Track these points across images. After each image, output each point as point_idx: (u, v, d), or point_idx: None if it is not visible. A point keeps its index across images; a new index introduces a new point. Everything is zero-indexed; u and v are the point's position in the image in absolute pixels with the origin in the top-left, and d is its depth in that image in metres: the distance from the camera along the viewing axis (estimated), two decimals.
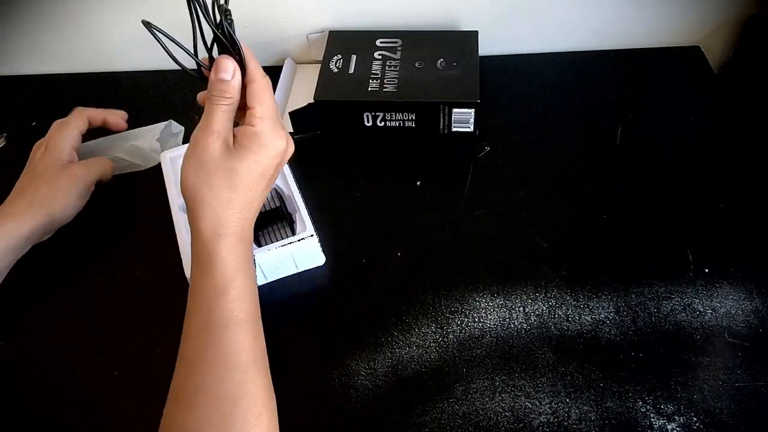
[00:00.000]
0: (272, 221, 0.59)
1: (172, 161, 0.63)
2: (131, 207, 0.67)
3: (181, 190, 0.47)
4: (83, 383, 0.54)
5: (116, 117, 0.66)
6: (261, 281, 0.58)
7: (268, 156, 0.48)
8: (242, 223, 0.47)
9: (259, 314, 0.48)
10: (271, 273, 0.58)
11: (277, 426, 0.44)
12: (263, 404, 0.43)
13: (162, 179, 0.62)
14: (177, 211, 0.58)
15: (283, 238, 0.56)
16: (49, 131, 0.62)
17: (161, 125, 0.69)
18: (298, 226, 0.57)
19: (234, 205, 0.47)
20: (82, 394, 0.54)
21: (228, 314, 0.44)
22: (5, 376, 0.55)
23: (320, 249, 0.58)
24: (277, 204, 0.60)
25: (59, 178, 0.59)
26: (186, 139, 0.70)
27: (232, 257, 0.46)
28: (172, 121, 0.70)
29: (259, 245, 0.56)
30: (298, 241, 0.55)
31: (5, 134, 0.75)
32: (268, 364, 0.46)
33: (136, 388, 0.53)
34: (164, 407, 0.43)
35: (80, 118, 0.63)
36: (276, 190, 0.61)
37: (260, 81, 0.50)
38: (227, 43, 0.50)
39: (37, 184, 0.58)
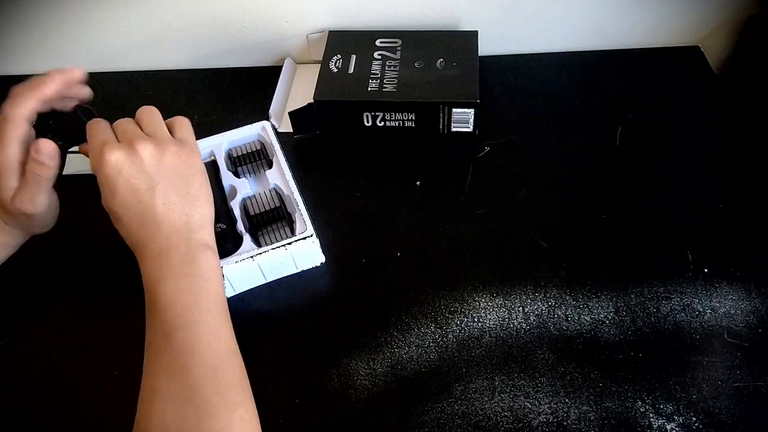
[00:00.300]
0: (271, 221, 0.59)
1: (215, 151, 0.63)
2: None
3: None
4: (83, 383, 0.54)
5: (59, 78, 0.51)
6: (261, 281, 0.58)
7: (107, 181, 0.47)
8: (148, 238, 0.46)
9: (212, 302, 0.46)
10: (271, 273, 0.58)
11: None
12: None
13: None
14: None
15: (282, 239, 0.56)
16: None
17: None
18: (298, 226, 0.57)
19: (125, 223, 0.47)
20: (82, 393, 0.54)
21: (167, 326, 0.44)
22: (3, 376, 0.55)
23: (320, 249, 0.58)
24: (277, 204, 0.60)
25: (10, 216, 0.51)
26: None
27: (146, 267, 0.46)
28: None
29: (259, 245, 0.56)
30: (298, 240, 0.55)
31: None
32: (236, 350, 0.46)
33: (136, 388, 0.53)
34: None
35: (15, 127, 0.48)
36: (276, 189, 0.61)
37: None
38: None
39: None
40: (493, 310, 0.56)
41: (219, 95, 0.78)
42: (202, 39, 0.78)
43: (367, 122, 0.69)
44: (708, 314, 0.54)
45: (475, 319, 0.55)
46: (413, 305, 0.57)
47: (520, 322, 0.55)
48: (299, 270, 0.59)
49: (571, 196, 0.64)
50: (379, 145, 0.70)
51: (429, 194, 0.65)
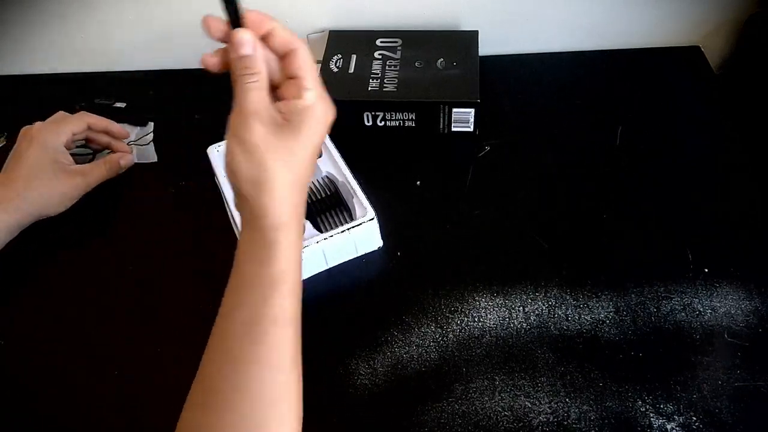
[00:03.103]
0: (329, 208, 0.60)
1: (221, 154, 0.63)
2: (127, 203, 0.67)
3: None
4: (83, 383, 0.54)
5: (118, 128, 0.67)
6: (323, 267, 0.59)
7: (320, 130, 0.42)
8: (302, 208, 0.43)
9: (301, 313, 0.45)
10: (332, 258, 0.59)
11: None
12: (297, 409, 0.42)
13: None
14: (233, 204, 0.58)
15: (342, 224, 0.57)
16: (42, 123, 0.61)
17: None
18: (358, 211, 0.58)
19: (296, 188, 0.42)
20: (82, 393, 0.54)
21: (278, 310, 0.41)
22: (3, 376, 0.55)
23: (379, 232, 0.59)
24: (332, 190, 0.62)
25: (59, 182, 0.59)
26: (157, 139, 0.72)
27: (292, 248, 0.41)
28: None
29: (320, 231, 0.57)
30: (361, 224, 0.57)
31: (5, 134, 0.75)
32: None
33: (136, 388, 0.53)
34: (185, 405, 0.40)
35: (80, 120, 0.63)
36: (328, 177, 0.62)
37: (299, 48, 0.44)
38: (230, 18, 0.46)
39: (30, 179, 0.58)
40: (494, 310, 0.56)
41: (219, 95, 0.77)
42: (203, 39, 0.78)
43: (368, 122, 0.69)
44: (708, 314, 0.54)
45: (476, 319, 0.55)
46: (413, 305, 0.57)
47: (520, 322, 0.55)
48: (359, 254, 0.60)
49: (571, 196, 0.64)
50: (379, 145, 0.70)
51: (429, 194, 0.65)
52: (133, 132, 0.72)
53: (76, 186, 0.60)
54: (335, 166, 0.62)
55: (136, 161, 0.69)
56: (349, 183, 0.60)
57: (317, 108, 0.42)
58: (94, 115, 0.65)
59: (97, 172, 0.63)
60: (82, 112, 0.65)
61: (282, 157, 0.41)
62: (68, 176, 0.60)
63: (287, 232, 0.41)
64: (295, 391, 0.42)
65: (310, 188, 0.61)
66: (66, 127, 0.61)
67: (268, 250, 0.41)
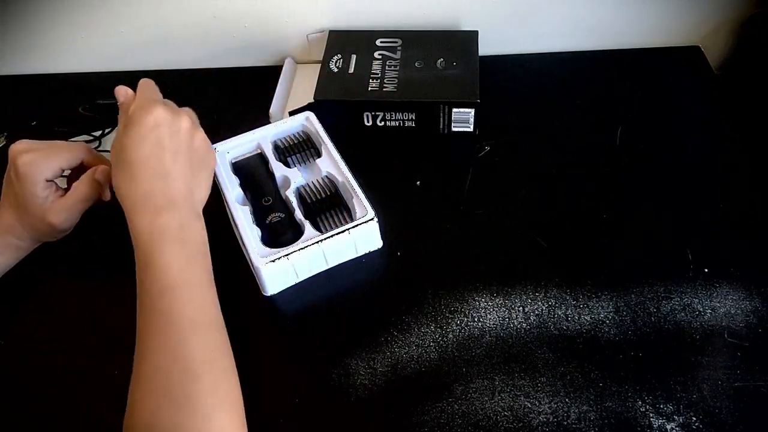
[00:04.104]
0: (329, 208, 0.60)
1: (219, 157, 0.64)
2: None
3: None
4: (83, 383, 0.54)
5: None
6: (323, 267, 0.59)
7: (140, 129, 0.50)
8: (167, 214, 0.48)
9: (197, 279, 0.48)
10: (333, 258, 0.59)
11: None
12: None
13: None
14: (234, 204, 0.60)
15: (342, 224, 0.57)
16: (32, 154, 0.54)
17: None
18: (358, 210, 0.58)
19: (145, 199, 0.49)
20: (82, 393, 0.54)
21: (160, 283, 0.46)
22: (3, 376, 0.55)
23: (379, 232, 0.59)
24: (332, 190, 0.61)
25: (37, 221, 0.55)
26: None
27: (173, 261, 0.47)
28: None
29: (320, 231, 0.57)
30: (361, 224, 0.57)
31: (5, 134, 0.75)
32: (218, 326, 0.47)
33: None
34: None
35: (71, 156, 0.56)
36: (329, 177, 0.62)
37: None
38: None
39: (18, 208, 0.55)
40: (494, 310, 0.56)
41: (219, 95, 0.78)
42: (202, 39, 0.78)
43: (368, 122, 0.69)
44: (708, 314, 0.54)
45: (476, 319, 0.55)
46: (413, 305, 0.57)
47: (520, 322, 0.55)
48: (359, 254, 0.60)
49: (571, 196, 0.64)
50: (379, 145, 0.70)
51: (429, 194, 0.65)
52: None
53: (52, 229, 0.55)
54: (335, 167, 0.62)
55: None
56: (350, 183, 0.60)
57: (128, 118, 0.51)
58: (94, 152, 0.58)
59: (80, 194, 0.56)
60: (81, 144, 0.58)
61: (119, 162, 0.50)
62: (47, 219, 0.55)
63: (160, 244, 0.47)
64: (204, 352, 0.45)
65: (311, 188, 0.61)
66: (54, 162, 0.54)
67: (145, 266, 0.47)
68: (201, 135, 0.54)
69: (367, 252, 0.60)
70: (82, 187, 0.56)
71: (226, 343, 0.47)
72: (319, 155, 0.64)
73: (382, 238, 0.60)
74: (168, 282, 0.46)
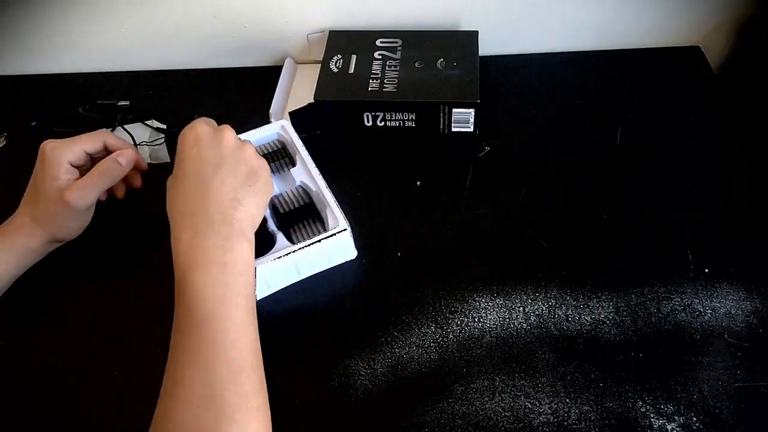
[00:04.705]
0: (301, 218, 0.60)
1: None
2: (130, 200, 0.67)
3: None
4: (83, 383, 0.54)
5: (140, 162, 0.61)
6: (295, 279, 0.58)
7: (183, 146, 0.50)
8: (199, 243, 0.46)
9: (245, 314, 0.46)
10: (306, 269, 0.58)
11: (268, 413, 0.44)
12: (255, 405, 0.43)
13: None
14: None
15: (315, 235, 0.57)
16: (52, 141, 0.57)
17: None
18: (330, 221, 0.57)
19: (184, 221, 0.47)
20: (82, 393, 0.54)
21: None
22: (3, 376, 0.55)
23: (353, 243, 0.59)
24: (306, 201, 0.60)
25: (53, 204, 0.55)
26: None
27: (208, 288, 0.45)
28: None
29: (292, 242, 0.56)
30: (333, 235, 0.56)
31: (5, 134, 0.75)
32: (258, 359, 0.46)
33: (136, 388, 0.53)
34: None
35: (95, 139, 0.58)
36: (302, 187, 0.61)
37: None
38: None
39: (36, 200, 0.56)
40: (494, 310, 0.56)
41: (219, 95, 0.78)
42: (202, 39, 0.78)
43: (368, 122, 0.69)
44: (708, 314, 0.54)
45: (476, 319, 0.55)
46: (413, 305, 0.57)
47: (520, 322, 0.55)
48: (332, 265, 0.59)
49: (571, 196, 0.64)
50: (379, 145, 0.70)
51: (429, 194, 0.65)
52: (146, 133, 0.72)
53: (67, 206, 0.55)
54: (309, 176, 0.61)
55: (150, 161, 0.69)
56: (323, 193, 0.59)
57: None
58: (115, 136, 0.60)
59: (95, 179, 0.56)
60: (102, 130, 0.60)
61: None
62: (61, 198, 0.55)
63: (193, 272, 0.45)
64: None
65: (284, 198, 0.61)
66: (77, 145, 0.57)
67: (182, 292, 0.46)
68: (249, 149, 0.51)
69: (341, 263, 0.59)
70: (100, 166, 0.56)
71: (262, 382, 0.44)
72: (293, 164, 0.63)
73: (382, 238, 0.60)
74: (203, 314, 0.44)
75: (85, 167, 0.58)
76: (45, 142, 0.57)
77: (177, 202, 0.48)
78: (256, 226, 0.50)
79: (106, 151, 0.59)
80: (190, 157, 0.49)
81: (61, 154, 0.56)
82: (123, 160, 0.57)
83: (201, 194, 0.48)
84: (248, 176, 0.50)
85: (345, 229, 0.56)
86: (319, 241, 0.56)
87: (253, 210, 0.49)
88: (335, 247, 0.57)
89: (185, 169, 0.49)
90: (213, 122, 0.53)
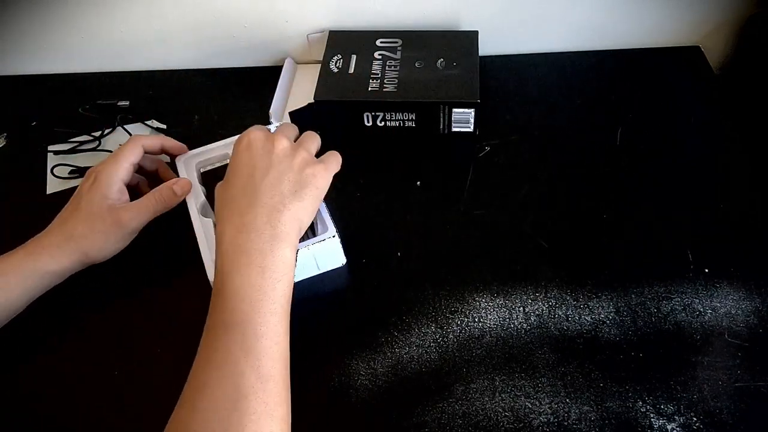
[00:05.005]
0: None
1: (186, 164, 0.62)
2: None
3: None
4: (83, 383, 0.54)
5: (174, 142, 0.62)
6: None
7: (237, 149, 0.52)
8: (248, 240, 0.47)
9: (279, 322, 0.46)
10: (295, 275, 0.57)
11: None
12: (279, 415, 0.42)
13: None
14: (196, 215, 0.58)
15: (303, 240, 0.56)
16: (102, 163, 0.58)
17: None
18: (320, 227, 0.57)
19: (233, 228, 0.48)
20: (82, 393, 0.54)
21: (264, 329, 0.44)
22: (3, 376, 0.55)
23: (341, 249, 0.58)
24: None
25: (101, 221, 0.55)
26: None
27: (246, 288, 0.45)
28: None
29: None
30: (321, 241, 0.55)
31: (5, 134, 0.75)
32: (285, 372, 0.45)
33: (136, 388, 0.53)
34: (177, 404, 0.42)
35: (135, 148, 0.59)
36: None
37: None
38: None
39: (77, 219, 0.55)
40: (494, 310, 0.56)
41: (219, 95, 0.78)
42: (202, 39, 0.78)
43: (368, 122, 0.69)
44: (708, 314, 0.54)
45: (476, 319, 0.55)
46: (413, 305, 0.57)
47: (520, 322, 0.55)
48: (321, 271, 0.59)
49: (571, 196, 0.64)
50: (379, 145, 0.70)
51: (429, 194, 0.65)
52: (145, 133, 0.72)
53: (118, 224, 0.55)
54: None
55: None
56: None
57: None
58: (147, 136, 0.61)
59: (148, 204, 0.57)
60: (135, 135, 0.60)
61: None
62: (113, 215, 0.55)
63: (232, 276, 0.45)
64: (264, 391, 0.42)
65: None
66: (121, 163, 0.57)
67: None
68: (303, 156, 0.52)
69: (330, 270, 0.59)
70: (157, 193, 0.57)
71: (287, 392, 0.44)
72: None
73: (383, 238, 0.60)
74: (238, 317, 0.43)
75: (134, 181, 0.61)
76: (92, 168, 0.58)
77: (225, 204, 0.49)
78: (303, 232, 0.50)
79: (147, 155, 0.61)
80: (242, 161, 0.51)
81: (116, 175, 0.57)
82: (179, 189, 0.58)
83: (248, 198, 0.48)
84: (297, 182, 0.50)
85: (333, 236, 0.56)
86: (308, 247, 0.55)
87: (300, 215, 0.49)
88: (323, 253, 0.57)
89: (236, 173, 0.50)
90: (266, 129, 0.54)
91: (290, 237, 0.48)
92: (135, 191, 0.61)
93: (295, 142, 0.54)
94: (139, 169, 0.61)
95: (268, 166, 0.50)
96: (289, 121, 0.69)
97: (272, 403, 0.42)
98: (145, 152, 0.60)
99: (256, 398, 0.41)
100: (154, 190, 0.58)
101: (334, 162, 0.55)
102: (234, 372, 0.42)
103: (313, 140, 0.55)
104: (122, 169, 0.57)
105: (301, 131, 0.70)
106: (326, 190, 0.53)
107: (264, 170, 0.50)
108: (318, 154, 0.55)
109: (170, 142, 0.62)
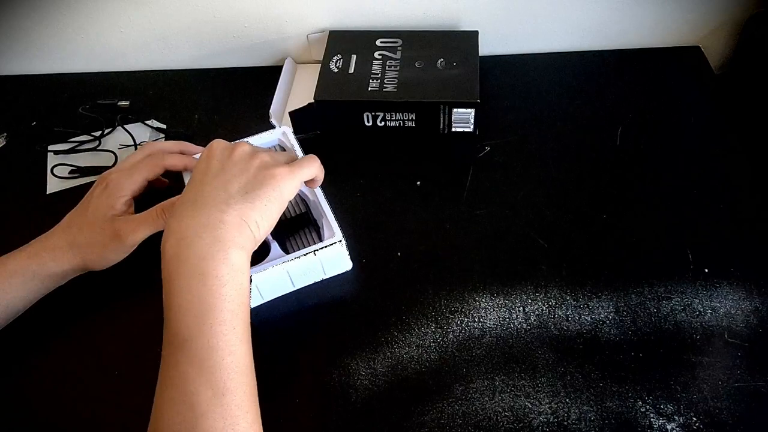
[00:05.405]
0: (298, 228, 0.59)
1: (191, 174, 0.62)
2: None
3: None
4: (83, 383, 0.54)
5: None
6: (289, 289, 0.57)
7: (199, 162, 0.50)
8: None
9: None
10: (299, 280, 0.57)
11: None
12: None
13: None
14: None
15: (310, 245, 0.55)
16: (118, 170, 0.57)
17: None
18: (326, 232, 0.56)
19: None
20: (82, 393, 0.54)
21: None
22: (3, 376, 0.55)
23: (347, 254, 0.57)
24: (302, 210, 0.59)
25: (101, 232, 0.54)
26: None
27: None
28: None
29: (287, 252, 0.55)
30: (327, 246, 0.55)
31: (5, 134, 0.75)
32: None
33: (136, 388, 0.53)
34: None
35: (155, 167, 0.57)
36: (300, 196, 0.60)
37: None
38: None
39: (80, 226, 0.55)
40: (494, 310, 0.56)
41: (219, 95, 0.78)
42: (202, 39, 0.78)
43: (368, 122, 0.69)
44: (708, 314, 0.54)
45: (476, 319, 0.55)
46: (413, 305, 0.57)
47: (520, 322, 0.55)
48: (327, 276, 0.58)
49: (571, 196, 0.64)
50: (379, 145, 0.70)
51: (429, 194, 0.65)
52: (146, 133, 0.72)
53: (117, 237, 0.54)
54: (307, 186, 0.59)
55: None
56: (320, 203, 0.57)
57: None
58: (172, 154, 0.59)
59: (151, 220, 0.55)
60: (160, 150, 0.59)
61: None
62: (113, 226, 0.54)
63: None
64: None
65: None
66: (140, 174, 0.57)
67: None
68: (263, 159, 0.49)
69: (336, 275, 0.58)
70: (159, 209, 0.55)
71: (252, 397, 0.42)
72: None
73: (383, 238, 0.60)
74: (184, 331, 0.41)
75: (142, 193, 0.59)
76: (107, 172, 0.58)
77: (173, 215, 0.46)
78: (259, 235, 0.47)
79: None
80: (198, 169, 0.49)
81: (127, 188, 0.56)
82: None
83: (195, 203, 0.46)
84: (249, 183, 0.47)
85: (340, 241, 0.55)
86: (314, 252, 0.54)
87: (251, 216, 0.46)
88: (329, 258, 0.56)
89: (190, 182, 0.49)
90: (233, 142, 0.52)
91: (235, 240, 0.44)
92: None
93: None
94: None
95: (218, 171, 0.48)
96: (290, 122, 0.69)
97: (233, 417, 0.40)
98: (166, 169, 0.59)
99: (214, 415, 0.39)
100: (157, 205, 0.55)
101: (305, 166, 0.51)
102: (188, 391, 0.40)
103: (306, 159, 0.52)
104: (135, 183, 0.57)
105: (302, 131, 0.71)
106: (291, 195, 0.49)
107: (214, 174, 0.48)
108: (318, 155, 0.54)
109: (193, 164, 0.59)
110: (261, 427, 0.42)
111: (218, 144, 0.51)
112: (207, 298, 0.42)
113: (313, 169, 0.53)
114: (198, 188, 0.47)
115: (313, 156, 0.53)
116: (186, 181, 0.61)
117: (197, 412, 0.39)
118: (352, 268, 0.59)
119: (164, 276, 0.44)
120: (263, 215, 0.47)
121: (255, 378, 0.43)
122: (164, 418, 0.40)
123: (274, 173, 0.48)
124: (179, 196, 0.54)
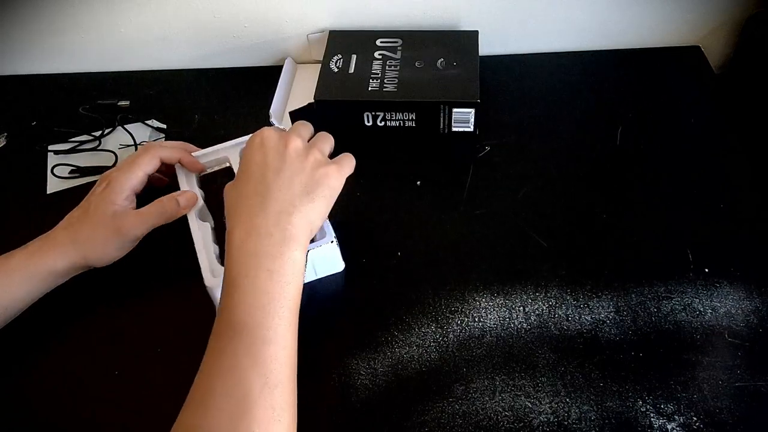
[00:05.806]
0: None
1: (184, 168, 0.62)
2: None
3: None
4: (83, 383, 0.54)
5: (191, 158, 0.61)
6: None
7: (249, 149, 0.51)
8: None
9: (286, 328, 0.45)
10: None
11: None
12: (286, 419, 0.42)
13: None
14: (194, 218, 0.58)
15: None
16: (115, 168, 0.58)
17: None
18: (318, 232, 0.56)
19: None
20: (82, 393, 0.54)
21: (271, 333, 0.43)
22: (3, 376, 0.55)
23: (340, 255, 0.58)
24: None
25: (103, 227, 0.55)
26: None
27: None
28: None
29: None
30: (319, 247, 0.55)
31: (5, 134, 0.75)
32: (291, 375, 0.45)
33: (136, 388, 0.53)
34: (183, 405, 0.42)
35: (152, 159, 0.59)
36: None
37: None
38: None
39: (82, 223, 0.55)
40: (494, 310, 0.56)
41: (219, 95, 0.78)
42: (202, 39, 0.78)
43: (368, 122, 0.69)
44: (709, 314, 0.54)
45: (476, 319, 0.55)
46: (414, 305, 0.57)
47: (520, 322, 0.55)
48: (318, 277, 0.58)
49: (571, 196, 0.64)
50: (379, 144, 0.70)
51: (429, 194, 0.65)
52: (146, 133, 0.72)
53: (118, 232, 0.55)
54: None
55: None
56: None
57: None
58: (167, 147, 0.60)
59: (153, 213, 0.56)
60: (155, 144, 0.60)
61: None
62: (115, 222, 0.55)
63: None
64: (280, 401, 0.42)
65: None
66: (135, 170, 0.57)
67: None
68: (317, 156, 0.51)
69: (327, 275, 0.58)
70: (160, 203, 0.57)
71: (294, 397, 0.44)
72: None
73: (383, 238, 0.60)
74: (245, 321, 0.43)
75: (143, 188, 0.59)
76: (108, 171, 0.58)
77: (235, 205, 0.48)
78: (314, 233, 0.50)
79: (163, 165, 0.60)
80: (254, 160, 0.49)
81: (127, 183, 0.57)
82: (183, 201, 0.58)
83: (259, 199, 0.47)
84: (309, 183, 0.49)
85: (332, 241, 0.55)
86: (306, 251, 0.55)
87: (311, 217, 0.48)
88: (321, 258, 0.56)
89: (247, 173, 0.49)
90: (280, 129, 0.53)
91: (300, 239, 0.47)
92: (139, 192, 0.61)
93: (308, 141, 0.53)
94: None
95: (280, 167, 0.49)
96: (290, 122, 0.69)
97: (279, 409, 0.41)
98: (162, 163, 0.60)
99: (264, 405, 0.41)
100: (158, 199, 0.57)
101: (347, 164, 0.53)
102: (242, 379, 0.41)
103: (326, 141, 0.54)
104: (135, 178, 0.57)
105: None
106: (339, 192, 0.51)
107: (276, 171, 0.49)
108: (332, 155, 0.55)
109: (188, 159, 0.61)
110: (296, 426, 0.44)
111: (270, 134, 0.51)
112: (272, 294, 0.44)
113: (353, 166, 0.55)
114: (262, 182, 0.48)
115: (350, 154, 0.55)
116: (179, 174, 0.61)
117: (249, 400, 0.41)
118: (356, 259, 0.59)
119: (228, 265, 0.46)
120: (320, 214, 0.50)
121: (296, 384, 0.45)
122: (214, 405, 0.41)
123: (328, 172, 0.50)
124: (180, 194, 0.57)
